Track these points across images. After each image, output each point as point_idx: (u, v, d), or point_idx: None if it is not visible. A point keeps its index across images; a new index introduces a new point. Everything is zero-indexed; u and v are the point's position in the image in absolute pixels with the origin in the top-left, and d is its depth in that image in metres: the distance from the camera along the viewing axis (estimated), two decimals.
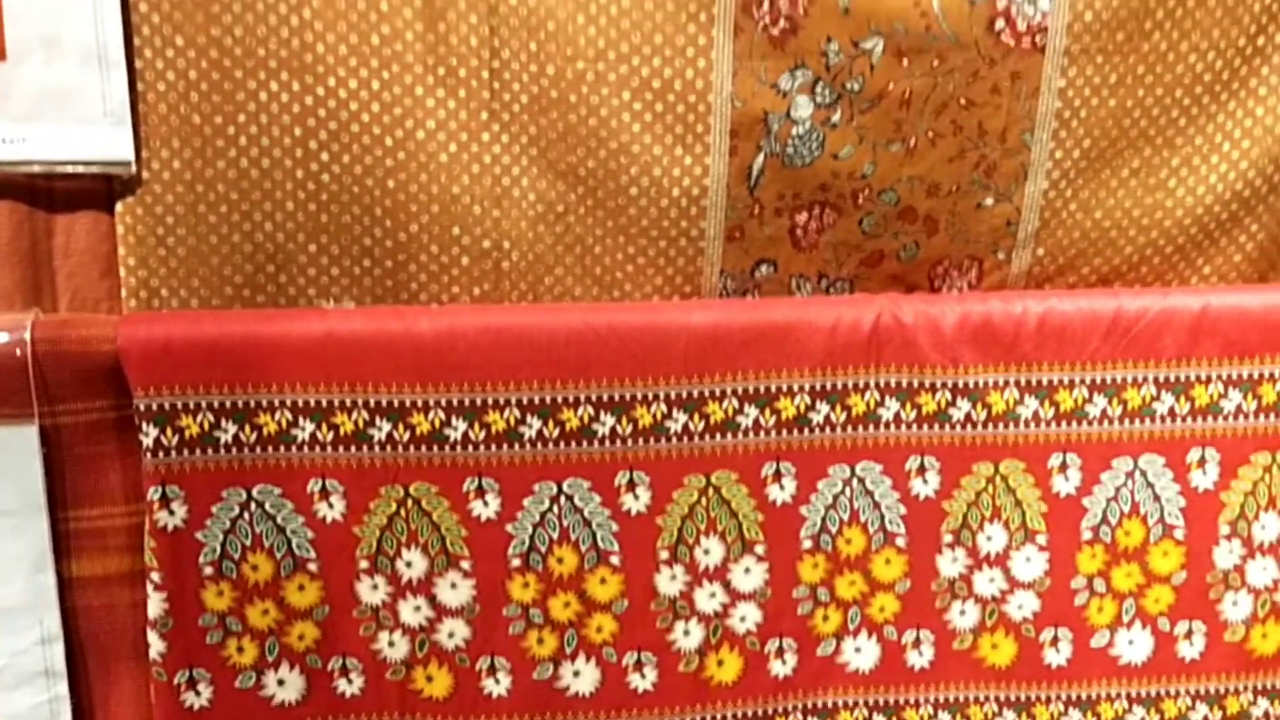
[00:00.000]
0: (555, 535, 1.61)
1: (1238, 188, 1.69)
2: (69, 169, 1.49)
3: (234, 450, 1.53)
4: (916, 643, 1.72)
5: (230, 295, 1.58)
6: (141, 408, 1.49)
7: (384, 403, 1.54)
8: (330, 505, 1.57)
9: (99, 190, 1.52)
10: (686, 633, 1.67)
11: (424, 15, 1.52)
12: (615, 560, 1.63)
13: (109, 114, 1.48)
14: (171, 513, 1.53)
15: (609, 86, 1.56)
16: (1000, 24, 1.58)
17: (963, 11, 1.56)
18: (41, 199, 1.51)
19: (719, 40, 1.56)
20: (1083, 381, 1.66)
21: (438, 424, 1.56)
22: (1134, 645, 1.74)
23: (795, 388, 1.62)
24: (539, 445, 1.58)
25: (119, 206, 1.53)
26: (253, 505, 1.55)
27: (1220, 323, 1.66)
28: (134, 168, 1.51)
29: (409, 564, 1.60)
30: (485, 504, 1.59)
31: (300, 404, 1.53)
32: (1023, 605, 1.72)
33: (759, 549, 1.66)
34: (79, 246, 1.54)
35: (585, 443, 1.59)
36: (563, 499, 1.61)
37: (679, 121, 1.58)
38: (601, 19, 1.54)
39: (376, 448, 1.55)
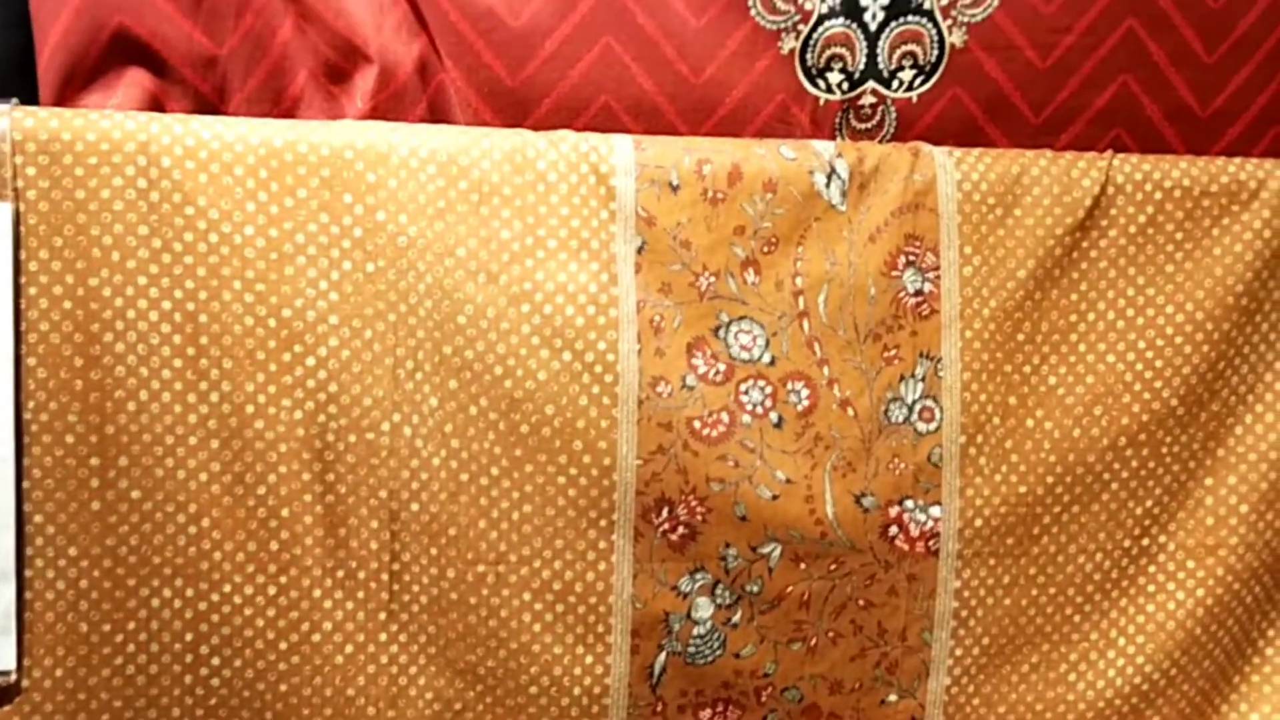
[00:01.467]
0: None
1: (1136, 682, 1.70)
2: None
3: None
4: None
5: None
6: None
7: None
8: None
9: None
10: None
11: (325, 522, 1.53)
12: None
13: None
14: None
15: (510, 588, 1.56)
16: (894, 530, 1.62)
17: (856, 519, 1.60)
18: None
19: (619, 544, 1.57)
20: None
21: None
22: None
23: None
24: None
25: None
26: None
27: None
28: (14, 676, 1.46)
29: None
30: None
31: None
32: None
33: None
34: None
35: None
36: None
37: (580, 622, 1.58)
38: (503, 524, 1.56)
39: None
